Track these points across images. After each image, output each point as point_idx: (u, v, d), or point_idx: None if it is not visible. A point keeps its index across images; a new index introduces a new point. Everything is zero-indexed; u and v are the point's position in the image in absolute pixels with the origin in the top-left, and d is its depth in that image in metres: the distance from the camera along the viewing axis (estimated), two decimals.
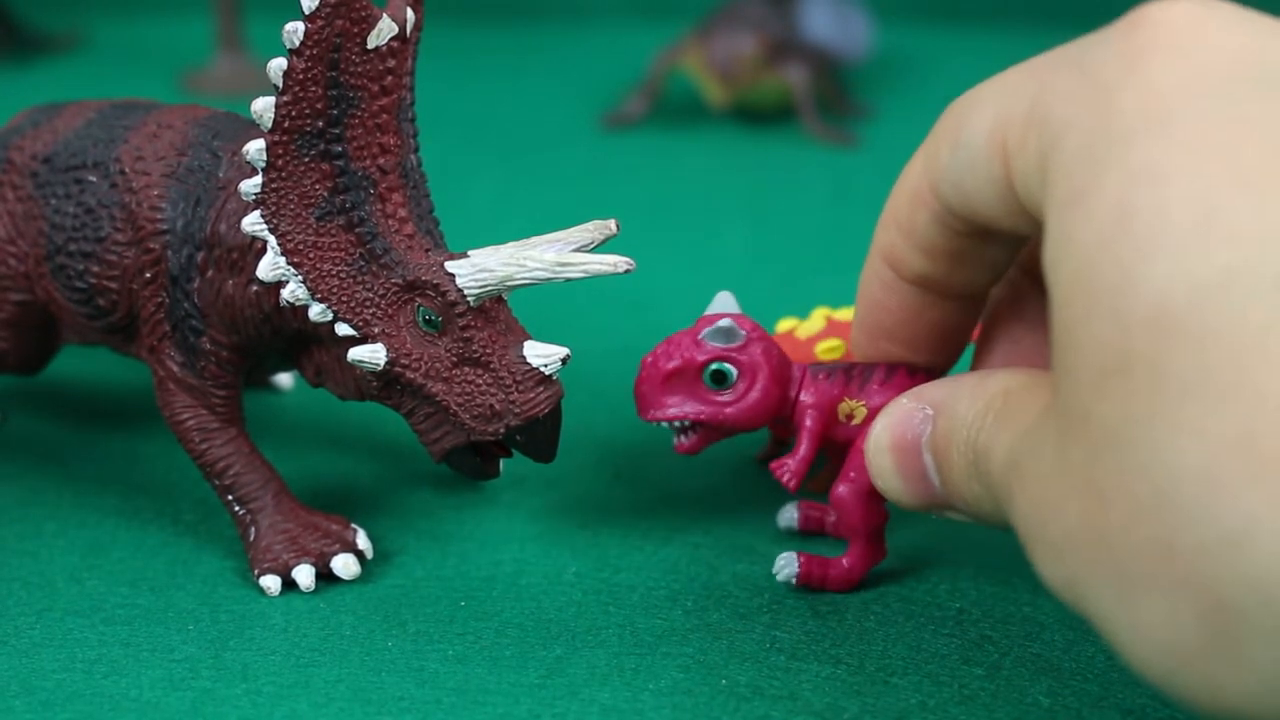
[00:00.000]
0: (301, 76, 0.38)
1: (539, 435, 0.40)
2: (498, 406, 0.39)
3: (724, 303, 0.41)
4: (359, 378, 0.41)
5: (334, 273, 0.40)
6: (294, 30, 0.37)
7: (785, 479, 0.39)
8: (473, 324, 0.39)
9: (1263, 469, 0.24)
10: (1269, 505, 0.24)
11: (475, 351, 0.39)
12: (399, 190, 0.40)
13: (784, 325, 0.47)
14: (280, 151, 0.39)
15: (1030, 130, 0.30)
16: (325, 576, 0.42)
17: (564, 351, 0.40)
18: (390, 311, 0.40)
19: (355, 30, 0.38)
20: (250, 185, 0.39)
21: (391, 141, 0.40)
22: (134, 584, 0.42)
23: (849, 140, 0.80)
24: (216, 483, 0.42)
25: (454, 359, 0.40)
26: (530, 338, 0.40)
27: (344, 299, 0.40)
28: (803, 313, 0.50)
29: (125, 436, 0.50)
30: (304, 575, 0.41)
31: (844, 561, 0.40)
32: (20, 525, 0.45)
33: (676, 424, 0.40)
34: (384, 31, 0.38)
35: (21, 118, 0.46)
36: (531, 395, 0.39)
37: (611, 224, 0.40)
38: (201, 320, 0.42)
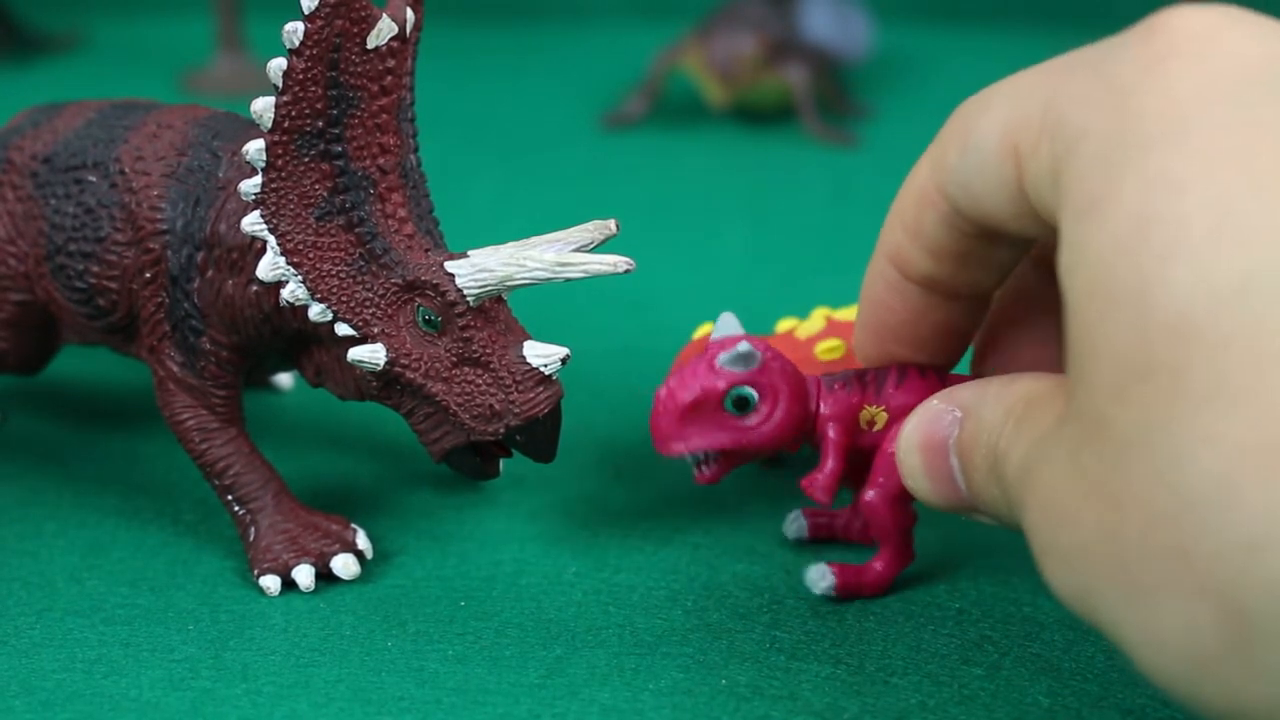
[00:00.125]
0: (301, 76, 0.38)
1: (539, 435, 0.40)
2: (497, 406, 0.39)
3: (729, 325, 0.40)
4: (359, 378, 0.41)
5: (334, 273, 0.40)
6: (294, 30, 0.37)
7: (817, 495, 0.39)
8: (472, 324, 0.39)
9: None
10: None
11: (475, 351, 0.39)
12: (399, 190, 0.40)
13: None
14: (280, 151, 0.39)
15: (1044, 134, 0.29)
16: (325, 576, 0.42)
17: (564, 351, 0.40)
18: (390, 311, 0.40)
19: (355, 30, 0.38)
20: (250, 185, 0.39)
21: (391, 141, 0.40)
22: (134, 584, 0.42)
23: (849, 140, 0.80)
24: (216, 483, 0.42)
25: (454, 359, 0.40)
26: (530, 338, 0.40)
27: (344, 299, 0.40)
28: (803, 313, 0.50)
29: (125, 436, 0.50)
30: (304, 575, 0.41)
31: (876, 565, 0.40)
32: (20, 525, 0.45)
33: (699, 455, 0.39)
34: (384, 31, 0.38)
35: (21, 118, 0.46)
36: (531, 395, 0.39)
37: (611, 224, 0.40)
38: (201, 320, 0.42)
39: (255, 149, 0.38)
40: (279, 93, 0.38)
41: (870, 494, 0.39)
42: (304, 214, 0.39)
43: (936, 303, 0.37)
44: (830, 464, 0.39)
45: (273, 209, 0.39)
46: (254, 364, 0.43)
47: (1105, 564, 0.27)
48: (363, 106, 0.39)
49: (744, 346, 0.38)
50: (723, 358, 0.38)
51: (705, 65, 0.80)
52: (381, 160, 0.40)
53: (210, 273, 0.41)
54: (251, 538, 0.42)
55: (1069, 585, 0.28)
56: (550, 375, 0.40)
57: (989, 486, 0.33)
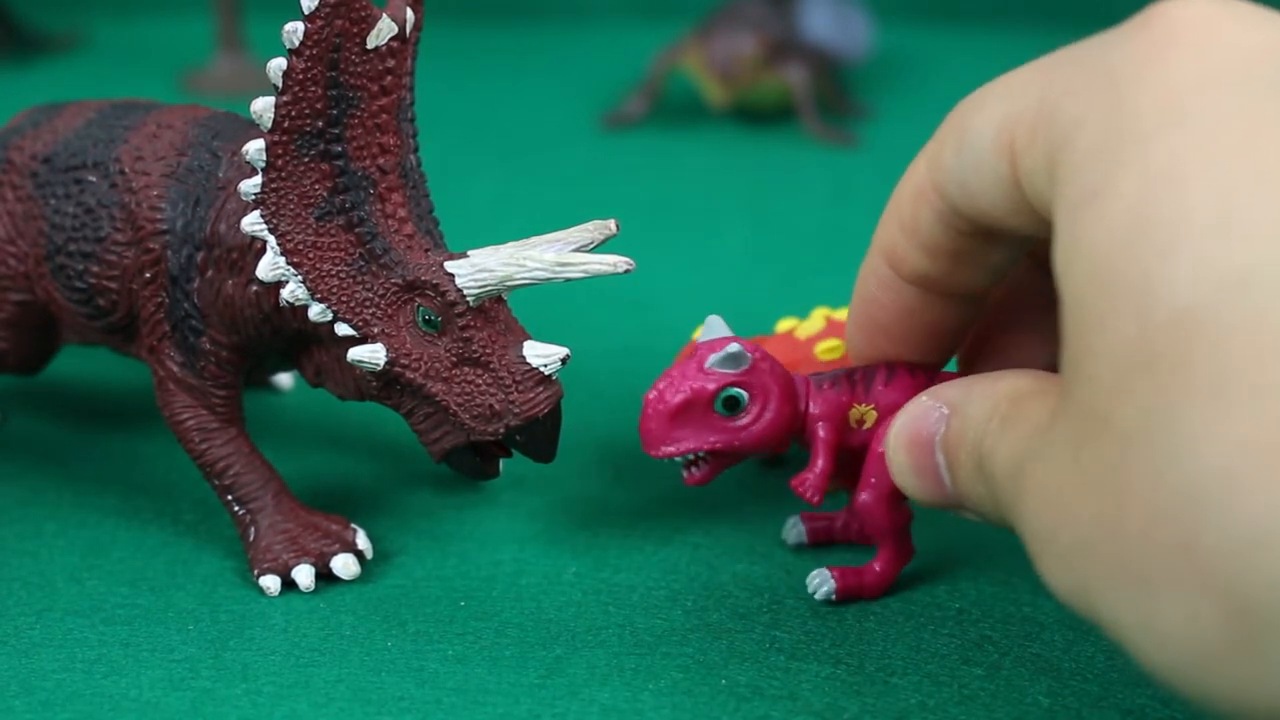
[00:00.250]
0: (301, 76, 0.38)
1: (539, 435, 0.40)
2: (497, 406, 0.39)
3: (717, 327, 0.40)
4: (359, 378, 0.41)
5: (334, 273, 0.40)
6: (294, 30, 0.37)
7: (808, 495, 0.39)
8: (472, 324, 0.39)
9: None
10: None
11: (475, 351, 0.39)
12: (399, 190, 0.40)
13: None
14: (280, 151, 0.39)
15: (1039, 128, 0.29)
16: (325, 576, 0.42)
17: (564, 351, 0.40)
18: (390, 311, 0.40)
19: (355, 30, 0.38)
20: (250, 185, 0.39)
21: (391, 141, 0.40)
22: (134, 584, 0.42)
23: (849, 140, 0.80)
24: (216, 483, 0.42)
25: (454, 359, 0.40)
26: (530, 338, 0.40)
27: (344, 299, 0.40)
28: (803, 313, 0.50)
29: (125, 436, 0.50)
30: (304, 575, 0.41)
31: (876, 567, 0.40)
32: (20, 525, 0.45)
33: (689, 456, 0.39)
34: (384, 31, 0.38)
35: (21, 118, 0.46)
36: (531, 395, 0.39)
37: (611, 224, 0.40)
38: (201, 320, 0.42)
39: (255, 149, 0.39)
40: (279, 93, 0.38)
41: (864, 495, 0.39)
42: (304, 214, 0.39)
43: (929, 301, 0.37)
44: (820, 463, 0.39)
45: (273, 209, 0.39)
46: (254, 364, 0.43)
47: (1106, 560, 0.27)
48: (363, 106, 0.39)
49: (733, 347, 0.38)
50: (712, 359, 0.39)
51: (705, 65, 0.80)
52: (381, 160, 0.40)
53: (210, 273, 0.41)
54: (251, 538, 0.42)
55: (1068, 582, 0.28)
56: (550, 375, 0.40)
57: (975, 484, 0.33)
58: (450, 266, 0.39)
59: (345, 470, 0.48)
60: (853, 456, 0.40)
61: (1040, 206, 0.30)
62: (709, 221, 0.69)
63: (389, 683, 0.37)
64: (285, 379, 0.53)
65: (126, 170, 0.42)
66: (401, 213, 0.40)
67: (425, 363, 0.40)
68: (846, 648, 0.39)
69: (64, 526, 0.45)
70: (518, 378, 0.39)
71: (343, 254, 0.40)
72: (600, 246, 0.40)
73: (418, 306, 0.39)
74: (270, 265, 0.40)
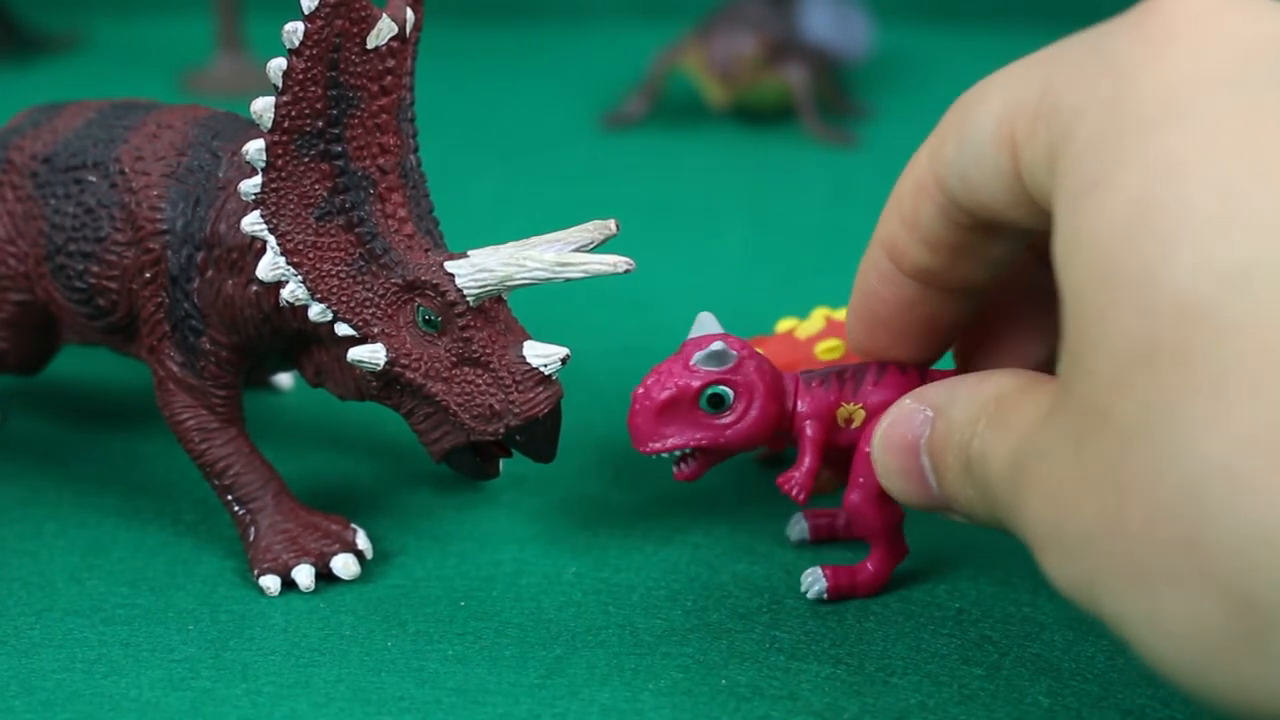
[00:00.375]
0: (301, 76, 0.38)
1: (539, 435, 0.40)
2: (497, 406, 0.39)
3: (707, 324, 0.40)
4: (359, 378, 0.41)
5: (334, 273, 0.40)
6: (294, 30, 0.37)
7: (793, 493, 0.39)
8: (472, 324, 0.39)
9: None
10: None
11: (475, 351, 0.39)
12: (399, 190, 0.40)
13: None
14: (280, 151, 0.39)
15: (1039, 119, 0.29)
16: (325, 576, 0.42)
17: (564, 351, 0.40)
18: (390, 311, 0.40)
19: (355, 30, 0.38)
20: (250, 185, 0.39)
21: (391, 141, 0.40)
22: (134, 584, 0.42)
23: (849, 140, 0.80)
24: (216, 483, 0.42)
25: (453, 359, 0.40)
26: (530, 338, 0.40)
27: (344, 299, 0.40)
28: (803, 313, 0.50)
29: (125, 436, 0.50)
30: (304, 575, 0.41)
31: (869, 566, 0.40)
32: (20, 525, 0.45)
33: (676, 452, 0.39)
34: (383, 31, 0.38)
35: (21, 118, 0.46)
36: (531, 395, 0.39)
37: (611, 224, 0.40)
38: (201, 320, 0.42)
39: (255, 149, 0.39)
40: (279, 93, 0.38)
41: (853, 495, 0.39)
42: (304, 214, 0.39)
43: (927, 296, 0.37)
44: (808, 461, 0.39)
45: (273, 209, 0.39)
46: (254, 364, 0.43)
47: (1109, 557, 0.26)
48: (363, 106, 0.39)
49: (718, 345, 0.39)
50: (697, 356, 0.39)
51: (705, 65, 0.80)
52: (381, 160, 0.40)
53: (210, 273, 0.41)
54: (251, 538, 0.42)
55: (1071, 577, 0.28)
56: (550, 375, 0.40)
57: (963, 486, 0.33)
58: (450, 266, 0.39)
59: (345, 470, 0.48)
60: (841, 455, 0.40)
61: (1041, 198, 0.30)
62: (709, 221, 0.69)
63: (389, 683, 0.37)
64: (285, 379, 0.53)
65: (126, 170, 0.42)
66: (401, 213, 0.40)
67: (425, 363, 0.40)
68: (846, 648, 0.39)
69: (64, 526, 0.45)
70: (518, 378, 0.39)
71: (343, 254, 0.40)
72: (600, 246, 0.40)
73: (418, 306, 0.39)
74: (270, 265, 0.40)
